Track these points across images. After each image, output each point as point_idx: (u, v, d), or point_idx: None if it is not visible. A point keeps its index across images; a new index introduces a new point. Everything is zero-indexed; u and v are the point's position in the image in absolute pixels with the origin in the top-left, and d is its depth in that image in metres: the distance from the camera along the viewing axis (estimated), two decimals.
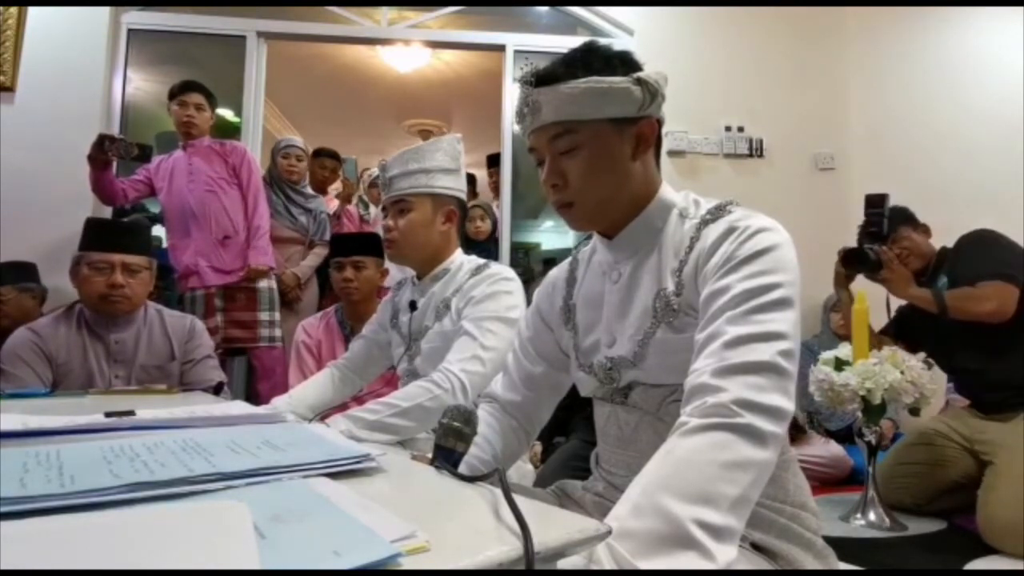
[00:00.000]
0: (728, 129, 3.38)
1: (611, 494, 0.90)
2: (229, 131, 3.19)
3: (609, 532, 0.47)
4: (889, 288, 2.06)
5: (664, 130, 0.91)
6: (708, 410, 0.66)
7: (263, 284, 2.63)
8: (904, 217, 2.18)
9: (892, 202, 2.14)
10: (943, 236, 2.16)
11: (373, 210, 3.57)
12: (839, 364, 1.95)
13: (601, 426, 0.95)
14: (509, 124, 3.37)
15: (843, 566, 1.09)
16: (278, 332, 2.66)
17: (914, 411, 1.92)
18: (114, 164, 2.55)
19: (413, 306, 1.48)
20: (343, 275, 2.16)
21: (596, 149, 0.84)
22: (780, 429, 0.67)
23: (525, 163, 3.28)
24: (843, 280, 2.18)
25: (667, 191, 0.90)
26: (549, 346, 1.03)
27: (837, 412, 2.29)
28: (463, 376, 1.28)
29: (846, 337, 2.09)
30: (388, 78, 4.70)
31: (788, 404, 0.68)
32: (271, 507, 0.42)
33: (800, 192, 3.39)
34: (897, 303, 2.19)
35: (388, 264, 2.24)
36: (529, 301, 1.13)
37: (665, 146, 3.15)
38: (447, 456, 0.67)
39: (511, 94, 3.36)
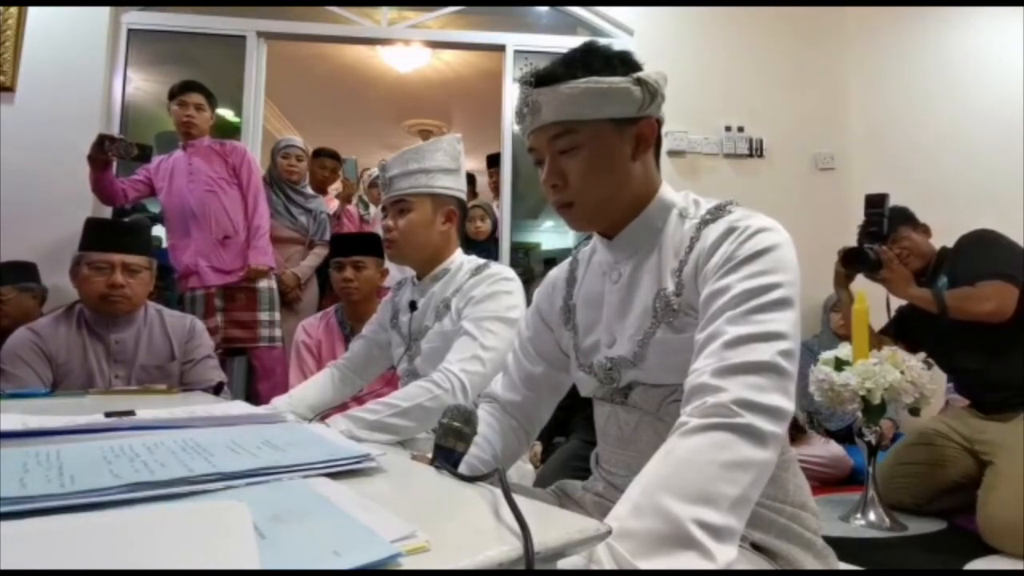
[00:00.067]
0: (728, 129, 3.38)
1: (611, 494, 0.90)
2: (229, 131, 3.19)
3: (609, 532, 0.47)
4: (889, 288, 2.06)
5: (664, 130, 0.91)
6: (708, 410, 0.66)
7: (263, 284, 2.63)
8: (904, 217, 2.18)
9: (892, 202, 2.14)
10: (943, 236, 2.16)
11: (373, 210, 3.57)
12: (839, 364, 1.95)
13: (601, 426, 0.95)
14: (509, 124, 3.37)
15: (843, 566, 1.09)
16: (278, 332, 2.66)
17: (914, 411, 1.92)
18: (114, 164, 2.55)
19: (413, 306, 1.48)
20: (343, 275, 2.16)
21: (596, 149, 0.84)
22: (780, 429, 0.67)
23: (525, 163, 3.28)
24: (843, 280, 2.18)
25: (667, 191, 0.90)
26: (549, 346, 1.03)
27: (837, 412, 2.29)
28: (463, 376, 1.28)
29: (846, 337, 2.09)
30: (388, 78, 4.70)
31: (788, 404, 0.68)
32: (271, 507, 0.42)
33: (800, 192, 3.39)
34: (897, 303, 2.19)
35: (388, 264, 2.24)
36: (529, 301, 1.13)
37: (665, 146, 3.15)
38: (447, 456, 0.67)
39: (511, 94, 3.36)
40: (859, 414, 1.92)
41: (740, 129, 3.39)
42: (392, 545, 0.36)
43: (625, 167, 0.85)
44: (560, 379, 1.05)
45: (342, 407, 1.56)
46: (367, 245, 2.22)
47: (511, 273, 1.45)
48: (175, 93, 2.63)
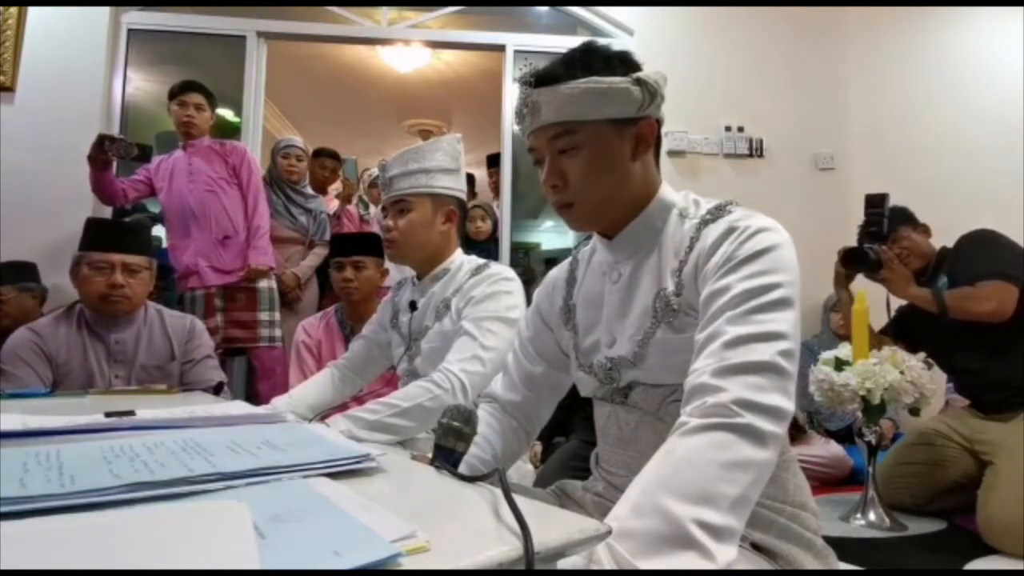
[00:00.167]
0: (728, 129, 3.38)
1: (611, 494, 0.90)
2: (229, 131, 3.19)
3: (609, 532, 0.47)
4: (889, 288, 2.06)
5: (664, 130, 0.91)
6: (708, 410, 0.66)
7: (263, 284, 2.63)
8: (904, 217, 2.18)
9: (892, 202, 2.14)
10: (943, 236, 2.16)
11: (373, 210, 3.58)
12: (839, 364, 1.95)
13: (601, 426, 0.95)
14: (509, 124, 3.37)
15: (843, 566, 1.09)
16: (278, 332, 2.66)
17: (914, 411, 1.92)
18: (114, 164, 2.55)
19: (413, 306, 1.48)
20: (343, 275, 2.16)
21: (596, 149, 0.84)
22: (780, 429, 0.67)
23: (525, 163, 3.28)
24: (843, 280, 2.18)
25: (667, 191, 0.90)
26: (549, 346, 1.03)
27: (837, 412, 2.29)
28: (463, 376, 1.28)
29: (846, 337, 2.09)
30: (388, 78, 4.70)
31: (788, 404, 0.68)
32: (271, 507, 0.42)
33: (800, 192, 3.39)
34: (897, 303, 2.19)
35: (388, 264, 2.25)
36: (529, 301, 1.13)
37: (665, 146, 3.15)
38: (447, 456, 0.67)
39: (511, 94, 3.36)
40: (859, 414, 1.92)
41: (740, 129, 3.39)
42: (392, 545, 0.36)
43: (625, 167, 0.85)
44: (560, 379, 1.05)
45: (342, 407, 1.56)
46: (367, 245, 2.22)
47: (511, 273, 1.45)
48: (175, 93, 2.63)
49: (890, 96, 3.46)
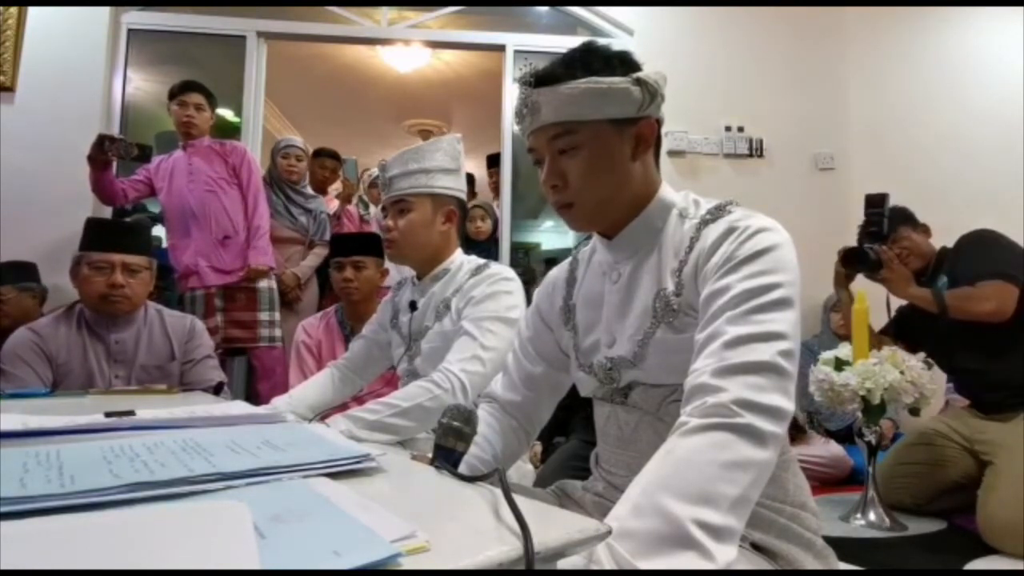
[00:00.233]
0: (728, 129, 3.38)
1: (611, 494, 0.90)
2: (229, 131, 3.19)
3: (609, 532, 0.47)
4: (889, 288, 2.06)
5: (664, 130, 0.91)
6: (708, 410, 0.66)
7: (263, 284, 2.63)
8: (904, 217, 2.18)
9: (892, 202, 2.14)
10: (943, 236, 2.16)
11: (373, 210, 3.58)
12: (839, 364, 1.95)
13: (601, 426, 0.95)
14: (509, 124, 3.37)
15: (843, 566, 1.09)
16: (278, 332, 2.66)
17: (914, 411, 1.92)
18: (114, 164, 2.55)
19: (413, 306, 1.48)
20: (343, 275, 2.16)
21: (596, 150, 0.84)
22: (780, 429, 0.67)
23: (525, 163, 3.28)
24: (843, 280, 2.18)
25: (667, 191, 0.90)
26: (549, 346, 1.03)
27: (837, 412, 2.29)
28: (463, 376, 1.28)
29: (846, 337, 2.09)
30: (388, 78, 4.70)
31: (788, 404, 0.68)
32: (271, 507, 0.42)
33: (800, 192, 3.39)
34: (897, 303, 2.19)
35: (388, 264, 2.25)
36: (529, 301, 1.13)
37: (665, 146, 3.15)
38: (447, 456, 0.67)
39: (511, 94, 3.36)
40: (859, 414, 1.92)
41: (740, 129, 3.39)
42: (392, 545, 0.36)
43: (625, 167, 0.85)
44: (560, 379, 1.05)
45: (342, 407, 1.56)
46: (367, 245, 2.22)
47: (511, 273, 1.45)
48: (175, 93, 2.63)
49: (890, 96, 3.46)
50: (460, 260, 1.50)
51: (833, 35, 3.53)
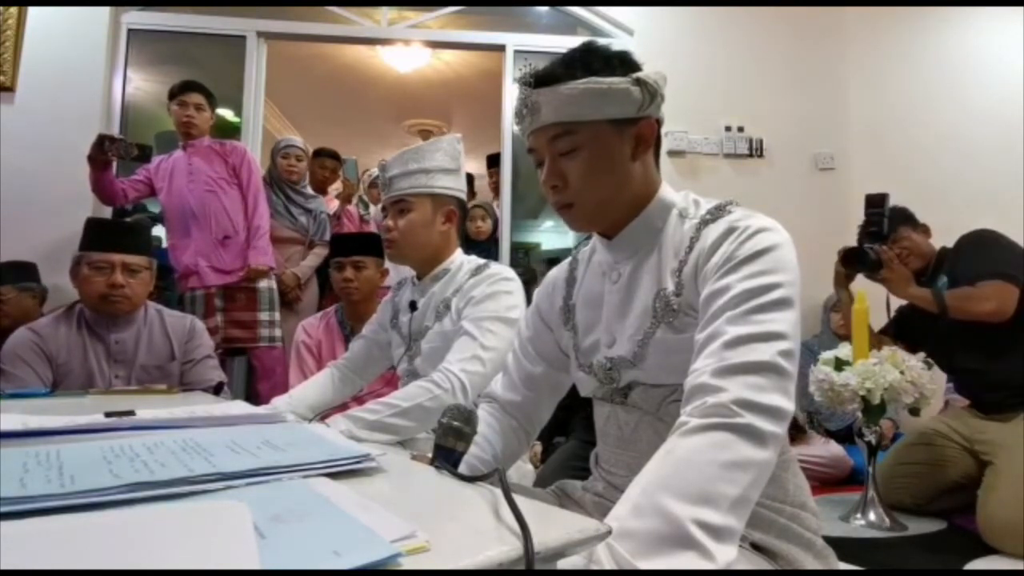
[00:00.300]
0: (728, 129, 3.38)
1: (611, 494, 0.89)
2: (229, 131, 3.19)
3: (609, 532, 0.47)
4: (889, 288, 2.06)
5: (664, 130, 0.91)
6: (708, 410, 0.66)
7: (263, 284, 2.63)
8: (904, 217, 2.18)
9: (892, 202, 2.14)
10: (943, 236, 2.16)
11: (373, 210, 3.58)
12: (839, 364, 1.95)
13: (601, 426, 0.95)
14: (509, 124, 3.37)
15: (843, 566, 1.09)
16: (278, 332, 2.66)
17: (914, 411, 1.92)
18: (114, 164, 2.55)
19: (413, 306, 1.48)
20: (343, 275, 2.16)
21: (596, 150, 0.84)
22: (780, 429, 0.67)
23: (525, 163, 3.28)
24: (843, 280, 2.18)
25: (667, 191, 0.90)
26: (549, 346, 1.03)
27: (837, 412, 2.29)
28: (463, 376, 1.28)
29: (846, 337, 2.09)
30: (388, 78, 4.70)
31: (788, 404, 0.68)
32: (271, 507, 0.42)
33: (800, 192, 3.39)
34: (897, 303, 2.19)
35: (388, 264, 2.25)
36: (529, 301, 1.13)
37: (665, 146, 3.15)
38: (447, 456, 0.67)
39: (511, 94, 3.36)
40: (859, 414, 1.92)
41: (740, 129, 3.39)
42: (392, 545, 0.36)
43: (625, 167, 0.85)
44: (560, 379, 1.05)
45: (342, 407, 1.56)
46: (367, 245, 2.22)
47: (511, 273, 1.45)
48: (175, 93, 2.63)
49: (890, 96, 3.46)
50: (460, 260, 1.50)
51: (833, 35, 3.53)
